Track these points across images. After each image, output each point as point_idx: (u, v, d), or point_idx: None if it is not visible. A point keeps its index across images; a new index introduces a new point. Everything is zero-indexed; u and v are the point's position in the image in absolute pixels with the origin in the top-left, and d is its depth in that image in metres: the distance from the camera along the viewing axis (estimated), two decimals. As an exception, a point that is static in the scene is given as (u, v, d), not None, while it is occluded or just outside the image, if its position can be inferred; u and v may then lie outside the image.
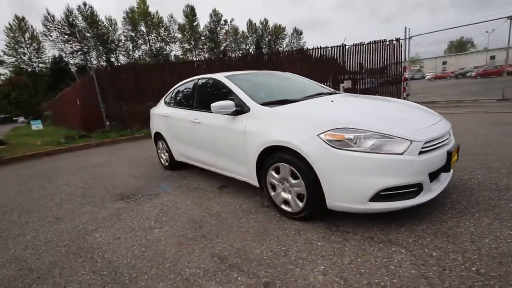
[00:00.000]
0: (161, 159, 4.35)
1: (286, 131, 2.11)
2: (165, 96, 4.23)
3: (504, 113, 6.23)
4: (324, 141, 1.88)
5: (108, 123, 9.79)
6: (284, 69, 5.13)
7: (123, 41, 43.30)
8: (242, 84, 2.78)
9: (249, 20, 53.13)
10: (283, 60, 11.58)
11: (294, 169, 2.06)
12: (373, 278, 1.47)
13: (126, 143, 8.00)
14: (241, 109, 2.56)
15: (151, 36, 45.07)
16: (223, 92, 2.90)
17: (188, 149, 3.49)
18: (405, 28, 10.81)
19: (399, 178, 1.76)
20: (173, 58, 44.08)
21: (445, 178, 2.10)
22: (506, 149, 3.42)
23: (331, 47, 11.22)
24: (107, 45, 41.90)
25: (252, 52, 46.30)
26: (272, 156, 2.24)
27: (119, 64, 39.44)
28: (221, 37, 50.88)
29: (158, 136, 4.23)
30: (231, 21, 36.64)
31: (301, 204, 2.10)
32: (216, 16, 49.69)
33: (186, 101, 3.61)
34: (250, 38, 53.79)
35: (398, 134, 1.81)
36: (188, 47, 48.93)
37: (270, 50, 48.74)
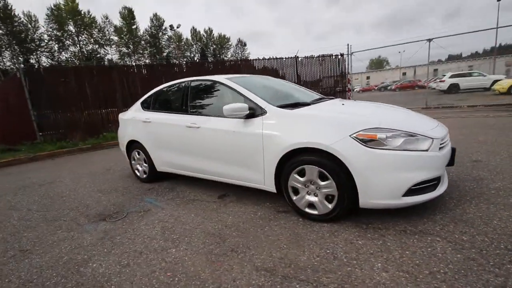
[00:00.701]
0: (136, 171, 3.84)
1: (315, 133, 2.10)
2: (141, 100, 3.78)
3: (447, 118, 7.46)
4: (357, 141, 1.94)
5: (40, 134, 8.24)
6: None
7: (46, 41, 37.43)
8: (249, 87, 2.68)
9: (193, 27, 52.32)
10: (229, 69, 11.59)
11: (324, 171, 2.06)
12: (431, 267, 1.55)
13: (70, 156, 6.86)
14: (253, 112, 2.46)
15: (82, 37, 40.17)
16: (227, 95, 2.75)
17: (179, 157, 3.16)
18: (348, 44, 12.18)
19: (427, 172, 1.93)
20: (107, 62, 40.05)
21: (445, 173, 2.39)
22: (463, 144, 4.08)
23: (285, 58, 11.83)
24: (26, 45, 35.58)
25: (197, 60, 45.45)
26: (295, 159, 2.20)
27: (54, 63, 33.77)
28: (163, 42, 48.66)
29: (133, 145, 3.74)
30: (177, 27, 35.31)
31: (330, 206, 2.10)
32: (157, 21, 47.43)
33: (175, 105, 3.29)
34: (194, 46, 52.83)
35: (421, 133, 1.99)
36: (126, 51, 45.27)
37: (215, 59, 48.58)
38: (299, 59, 11.90)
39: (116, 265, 1.87)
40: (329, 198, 2.12)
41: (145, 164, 3.68)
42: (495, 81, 15.44)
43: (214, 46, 54.64)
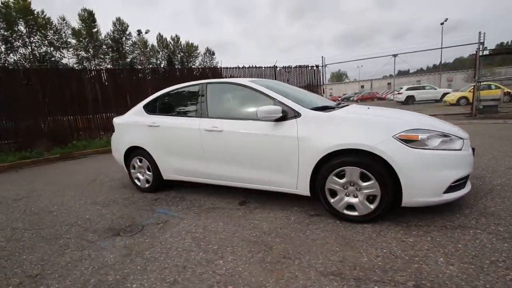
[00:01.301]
0: (137, 180, 3.52)
1: (357, 134, 2.13)
2: (143, 103, 3.51)
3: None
4: (399, 141, 2.01)
5: (-6, 142, 7.17)
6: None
7: (-11, 41, 33.25)
8: (275, 90, 2.65)
9: (159, 34, 50.85)
10: (197, 76, 11.37)
11: (367, 171, 2.09)
12: (489, 256, 1.63)
13: (37, 168, 6.08)
14: (286, 114, 2.42)
15: (34, 39, 36.48)
16: (252, 98, 2.68)
17: (193, 163, 2.98)
18: (322, 57, 12.88)
19: (463, 170, 2.06)
20: (63, 66, 36.80)
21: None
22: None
23: (264, 67, 12.05)
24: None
25: (164, 67, 44.08)
26: (334, 161, 2.20)
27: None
28: (127, 48, 46.41)
29: (134, 152, 3.44)
30: (146, 32, 33.94)
31: (372, 206, 2.13)
32: (121, 26, 45.22)
33: (189, 108, 3.12)
34: (161, 52, 51.27)
35: (453, 133, 2.14)
36: (86, 55, 42.20)
37: (183, 67, 47.64)
38: (278, 69, 12.21)
39: (162, 283, 1.65)
40: (370, 198, 2.15)
41: (148, 173, 3.39)
42: (445, 94, 17.54)
43: (182, 53, 53.61)
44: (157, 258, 1.94)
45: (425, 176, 1.99)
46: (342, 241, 1.98)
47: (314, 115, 2.37)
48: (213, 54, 57.41)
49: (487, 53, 9.26)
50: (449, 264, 1.60)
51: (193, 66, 50.31)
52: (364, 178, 2.12)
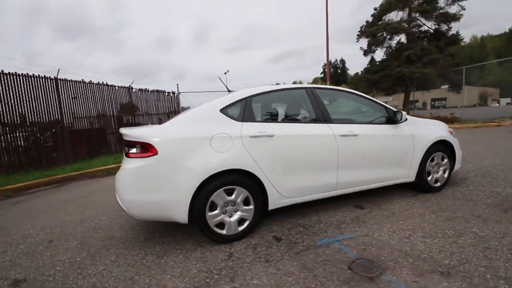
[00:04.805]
0: (218, 228, 2.24)
1: (437, 131, 3.19)
2: (220, 105, 2.36)
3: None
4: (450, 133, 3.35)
5: None
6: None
7: None
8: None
9: None
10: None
11: (444, 154, 3.20)
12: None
13: None
14: (389, 118, 2.99)
15: None
16: (361, 104, 2.98)
17: (323, 176, 2.59)
18: (177, 84, 12.75)
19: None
20: None
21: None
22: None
23: (118, 86, 9.89)
24: None
25: None
26: (431, 149, 3.10)
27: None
28: None
29: (215, 182, 2.18)
30: None
31: (445, 175, 3.26)
32: None
33: (296, 114, 2.63)
34: None
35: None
36: None
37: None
38: (133, 90, 10.50)
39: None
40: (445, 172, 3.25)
41: (245, 207, 2.31)
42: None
43: None
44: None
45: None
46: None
47: (412, 119, 3.14)
48: None
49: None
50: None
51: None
52: (443, 159, 3.21)
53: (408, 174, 3.04)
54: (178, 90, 12.65)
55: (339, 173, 2.66)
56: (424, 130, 3.13)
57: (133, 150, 2.20)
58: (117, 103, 9.84)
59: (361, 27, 16.30)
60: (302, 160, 2.51)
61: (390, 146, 2.92)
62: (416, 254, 1.91)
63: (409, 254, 1.92)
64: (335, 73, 67.44)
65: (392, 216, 2.59)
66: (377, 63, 16.38)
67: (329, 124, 2.67)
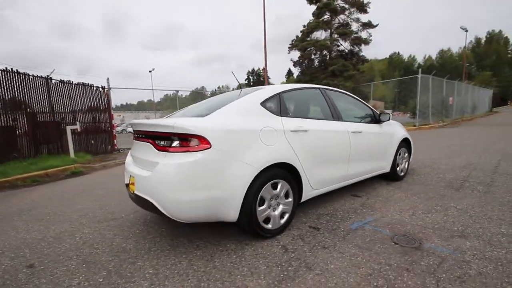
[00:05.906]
0: (264, 222, 2.20)
1: (402, 130, 3.95)
2: (261, 98, 2.31)
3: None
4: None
5: None
6: None
7: None
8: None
9: None
10: None
11: (406, 149, 3.99)
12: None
13: None
14: (373, 118, 3.58)
15: None
16: (353, 104, 3.44)
17: (339, 169, 2.87)
18: (107, 78, 11.00)
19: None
20: None
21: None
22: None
23: (33, 76, 7.90)
24: None
25: None
26: (401, 144, 3.82)
27: None
28: None
29: (264, 176, 2.16)
30: None
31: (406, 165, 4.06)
32: None
33: (317, 111, 2.83)
34: None
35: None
36: None
37: None
38: (53, 81, 8.59)
39: None
40: (406, 164, 4.06)
41: (286, 200, 2.34)
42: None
43: None
44: None
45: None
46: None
47: (387, 121, 3.78)
48: None
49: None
50: None
51: None
52: (405, 153, 3.99)
53: (386, 166, 3.66)
54: (108, 85, 10.99)
55: (349, 165, 3.00)
56: (395, 129, 3.83)
57: (175, 143, 1.94)
58: (31, 96, 7.84)
59: (292, 41, 18.04)
60: (328, 154, 2.73)
61: (379, 142, 3.46)
62: (431, 226, 2.37)
63: (426, 226, 2.37)
64: (258, 80, 71.32)
65: (387, 201, 3.08)
66: (309, 74, 18.40)
67: (341, 122, 2.98)
